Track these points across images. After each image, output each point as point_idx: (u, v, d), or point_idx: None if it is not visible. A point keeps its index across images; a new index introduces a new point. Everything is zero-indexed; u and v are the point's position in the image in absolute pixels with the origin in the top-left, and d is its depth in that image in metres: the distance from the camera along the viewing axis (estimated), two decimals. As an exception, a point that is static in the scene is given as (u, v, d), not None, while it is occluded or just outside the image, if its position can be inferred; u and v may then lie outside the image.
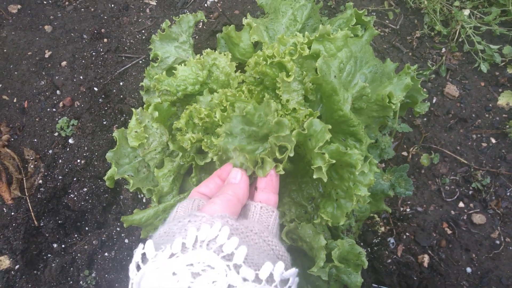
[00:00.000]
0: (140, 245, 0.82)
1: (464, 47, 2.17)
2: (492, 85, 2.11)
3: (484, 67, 2.10)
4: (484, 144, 1.99)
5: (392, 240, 1.85)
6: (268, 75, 1.22)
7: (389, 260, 1.80)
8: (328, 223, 1.10)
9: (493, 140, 2.00)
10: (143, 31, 2.30)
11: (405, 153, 1.99)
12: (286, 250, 0.92)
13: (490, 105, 2.06)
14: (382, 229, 1.87)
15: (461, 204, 1.90)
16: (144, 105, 1.39)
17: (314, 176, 1.00)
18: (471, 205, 1.89)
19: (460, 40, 2.18)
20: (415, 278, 1.76)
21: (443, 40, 2.23)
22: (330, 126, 1.02)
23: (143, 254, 0.80)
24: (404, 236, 1.85)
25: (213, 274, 0.72)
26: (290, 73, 1.14)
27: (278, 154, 1.01)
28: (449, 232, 1.85)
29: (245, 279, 0.74)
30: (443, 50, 2.21)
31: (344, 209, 1.08)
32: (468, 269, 1.78)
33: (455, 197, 1.91)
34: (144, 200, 1.96)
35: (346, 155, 1.03)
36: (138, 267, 0.79)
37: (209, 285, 0.70)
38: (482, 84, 2.12)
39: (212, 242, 0.78)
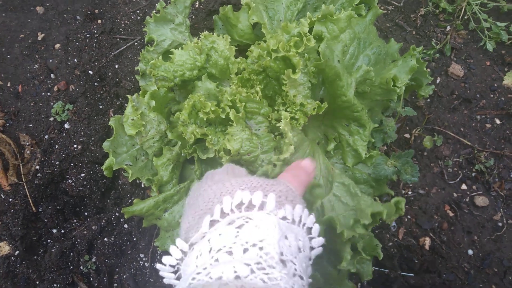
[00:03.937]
0: (242, 191, 0.87)
1: (469, 25, 2.10)
2: (498, 64, 2.06)
3: (490, 46, 2.05)
4: (488, 125, 1.96)
5: (393, 223, 1.83)
6: (272, 68, 1.18)
7: (390, 243, 1.79)
8: None
9: (498, 121, 1.96)
10: (138, 12, 2.23)
11: (407, 135, 1.96)
12: None
13: (495, 85, 2.02)
14: (384, 212, 1.85)
15: (463, 186, 1.88)
16: (140, 92, 1.35)
17: None
18: (474, 187, 1.87)
19: (465, 17, 2.11)
20: (416, 261, 1.75)
21: (448, 18, 2.17)
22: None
23: (241, 201, 0.85)
24: (406, 219, 1.84)
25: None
26: (297, 70, 1.10)
27: None
28: (451, 214, 1.84)
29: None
30: (448, 28, 2.15)
31: None
32: (470, 251, 1.77)
33: (458, 179, 1.89)
34: (143, 185, 1.93)
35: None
36: (237, 209, 0.85)
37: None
38: (488, 63, 2.07)
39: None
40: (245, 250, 0.73)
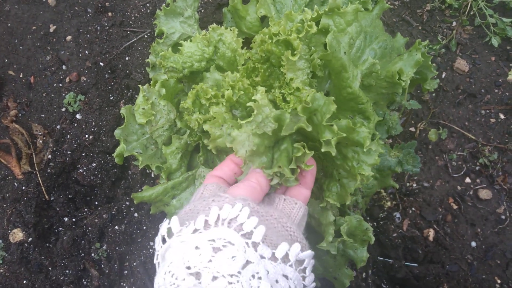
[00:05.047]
0: (166, 220, 0.87)
1: (475, 21, 2.12)
2: (503, 60, 2.08)
3: (495, 41, 2.06)
4: (492, 120, 1.98)
5: (398, 214, 1.86)
6: (274, 53, 1.19)
7: (395, 234, 1.82)
8: (336, 204, 1.11)
9: (502, 116, 1.98)
10: (147, 5, 2.26)
11: (412, 129, 1.98)
12: (304, 238, 0.95)
13: (500, 80, 2.03)
14: (389, 204, 1.88)
15: (467, 180, 1.90)
16: (151, 82, 1.38)
17: (323, 150, 0.96)
18: (478, 180, 1.90)
19: (471, 13, 2.12)
20: (420, 252, 1.78)
21: (454, 14, 2.18)
22: (333, 98, 1.00)
23: (169, 229, 0.85)
24: (410, 211, 1.86)
25: (232, 250, 0.77)
26: (295, 52, 1.10)
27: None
28: (455, 207, 1.86)
29: (262, 257, 0.79)
30: (454, 23, 2.17)
31: (347, 189, 1.08)
32: (473, 243, 1.80)
33: (462, 172, 1.91)
34: (152, 175, 1.98)
35: (355, 132, 0.99)
36: (164, 240, 0.85)
37: (228, 260, 0.75)
38: (493, 58, 2.08)
39: (233, 221, 0.83)
40: (164, 279, 0.76)
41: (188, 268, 0.75)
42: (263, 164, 1.00)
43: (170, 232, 0.85)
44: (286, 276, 0.81)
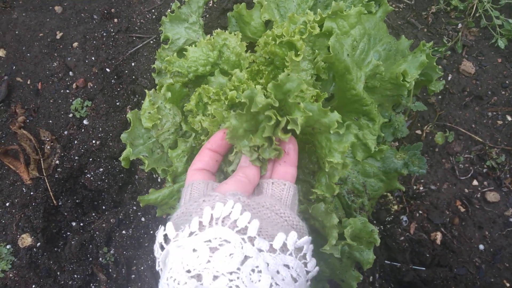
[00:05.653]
0: (161, 227, 0.88)
1: (481, 22, 2.11)
2: (510, 61, 2.06)
3: (501, 43, 2.05)
4: (499, 122, 1.96)
5: (405, 218, 1.85)
6: (278, 55, 1.20)
7: (402, 238, 1.81)
8: (324, 195, 1.10)
9: (509, 118, 1.97)
10: (153, 10, 2.29)
11: (419, 132, 1.98)
12: (300, 220, 0.95)
13: (507, 82, 2.02)
14: (395, 207, 1.87)
15: (475, 182, 1.89)
16: (157, 87, 1.40)
17: (288, 127, 0.94)
18: (485, 183, 1.88)
19: (477, 15, 2.12)
20: (428, 255, 1.77)
21: (460, 16, 2.18)
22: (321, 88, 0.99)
23: (165, 235, 0.86)
24: (417, 214, 1.85)
25: (229, 247, 0.78)
26: (299, 52, 1.11)
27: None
28: (462, 210, 1.85)
29: (260, 250, 0.80)
30: (460, 25, 2.16)
31: (332, 178, 1.07)
32: (481, 246, 1.78)
33: (469, 175, 1.90)
34: (159, 180, 1.99)
35: (326, 116, 0.96)
36: (162, 247, 0.86)
37: (226, 258, 0.76)
38: (499, 60, 2.07)
39: (227, 218, 0.83)
40: (167, 285, 0.77)
41: (188, 271, 0.75)
42: (244, 146, 1.01)
43: (166, 238, 0.85)
44: (287, 266, 0.82)
